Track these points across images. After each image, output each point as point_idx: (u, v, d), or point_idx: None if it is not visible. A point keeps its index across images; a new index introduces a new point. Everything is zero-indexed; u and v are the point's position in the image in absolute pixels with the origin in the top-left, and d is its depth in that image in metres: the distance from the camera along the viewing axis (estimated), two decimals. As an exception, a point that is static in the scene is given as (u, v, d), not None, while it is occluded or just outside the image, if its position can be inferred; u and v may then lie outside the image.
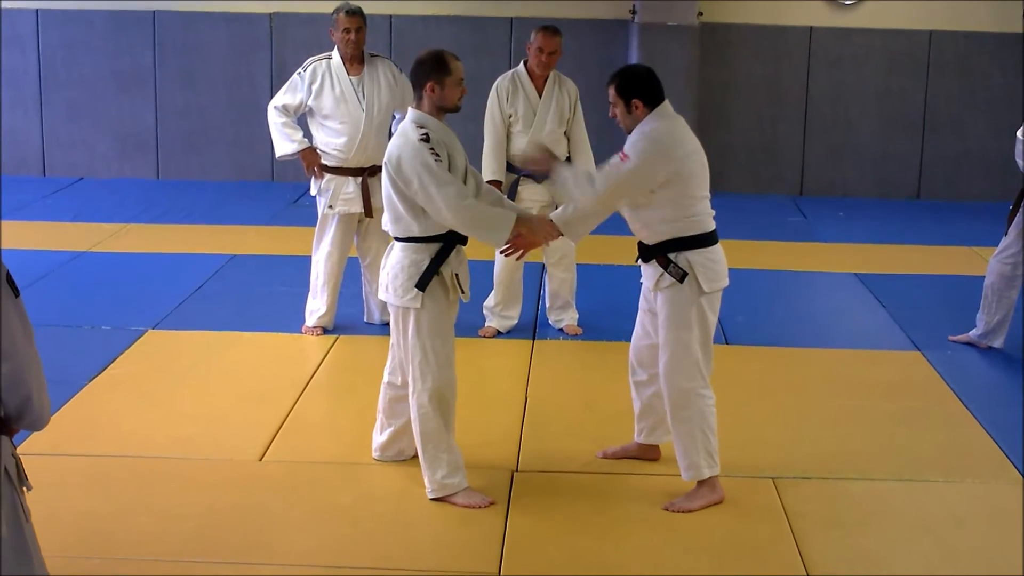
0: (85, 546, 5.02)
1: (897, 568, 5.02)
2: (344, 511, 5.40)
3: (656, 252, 5.46)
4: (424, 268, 5.37)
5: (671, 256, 5.41)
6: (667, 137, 5.43)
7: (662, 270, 5.43)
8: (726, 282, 5.55)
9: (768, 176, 13.00)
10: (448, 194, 5.25)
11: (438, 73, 5.36)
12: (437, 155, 5.29)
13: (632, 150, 5.37)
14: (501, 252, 5.66)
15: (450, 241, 5.40)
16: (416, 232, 5.39)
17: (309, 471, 5.83)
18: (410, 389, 5.52)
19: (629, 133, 5.51)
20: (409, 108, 5.49)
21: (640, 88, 5.45)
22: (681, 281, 5.39)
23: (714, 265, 5.47)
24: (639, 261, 5.62)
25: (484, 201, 5.56)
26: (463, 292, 5.51)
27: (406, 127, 5.42)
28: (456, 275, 5.44)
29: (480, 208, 5.35)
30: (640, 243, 5.55)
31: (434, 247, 5.39)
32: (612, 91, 5.48)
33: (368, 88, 7.67)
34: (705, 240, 5.45)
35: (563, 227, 5.65)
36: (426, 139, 5.30)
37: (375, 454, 5.93)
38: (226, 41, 12.87)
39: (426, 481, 5.50)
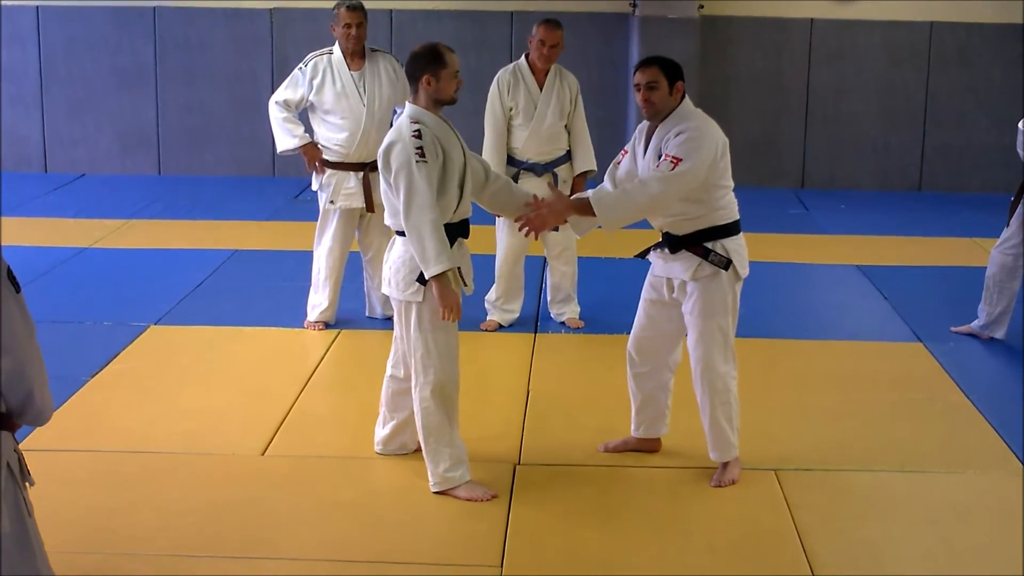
0: (88, 541, 5.03)
1: (899, 559, 5.03)
2: (347, 505, 5.41)
3: (689, 242, 5.50)
4: None
5: (708, 245, 5.48)
6: (712, 131, 5.52)
7: (699, 259, 5.49)
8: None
9: (769, 169, 12.99)
10: (415, 202, 5.24)
11: (434, 66, 5.36)
12: (422, 156, 5.25)
13: (682, 150, 5.36)
14: (519, 225, 5.63)
15: (451, 234, 5.39)
16: None
17: (312, 466, 5.84)
18: (413, 383, 5.52)
19: (654, 117, 5.50)
20: (406, 103, 5.48)
21: (681, 74, 5.57)
22: (726, 268, 5.51)
23: (744, 251, 5.65)
24: (655, 253, 5.61)
25: (493, 186, 5.60)
26: (465, 284, 5.50)
27: (401, 122, 5.41)
28: (458, 268, 5.42)
29: (439, 237, 5.25)
30: (667, 235, 5.55)
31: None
32: (655, 71, 5.49)
33: (369, 83, 7.67)
34: (735, 228, 5.64)
35: (600, 209, 5.44)
36: (418, 135, 5.28)
37: (377, 447, 5.93)
38: (227, 37, 12.87)
39: (429, 474, 5.51)
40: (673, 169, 5.33)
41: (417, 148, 5.26)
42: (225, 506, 5.37)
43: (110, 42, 12.93)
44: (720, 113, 12.59)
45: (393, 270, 5.47)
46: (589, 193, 5.56)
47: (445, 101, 5.42)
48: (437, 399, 5.45)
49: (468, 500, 5.42)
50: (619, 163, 5.72)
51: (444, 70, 5.36)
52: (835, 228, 11.12)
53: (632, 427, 5.98)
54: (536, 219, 5.52)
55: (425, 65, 5.37)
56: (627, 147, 5.73)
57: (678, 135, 5.40)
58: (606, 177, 5.75)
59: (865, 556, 5.04)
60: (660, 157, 5.41)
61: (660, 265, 5.68)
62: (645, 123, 5.65)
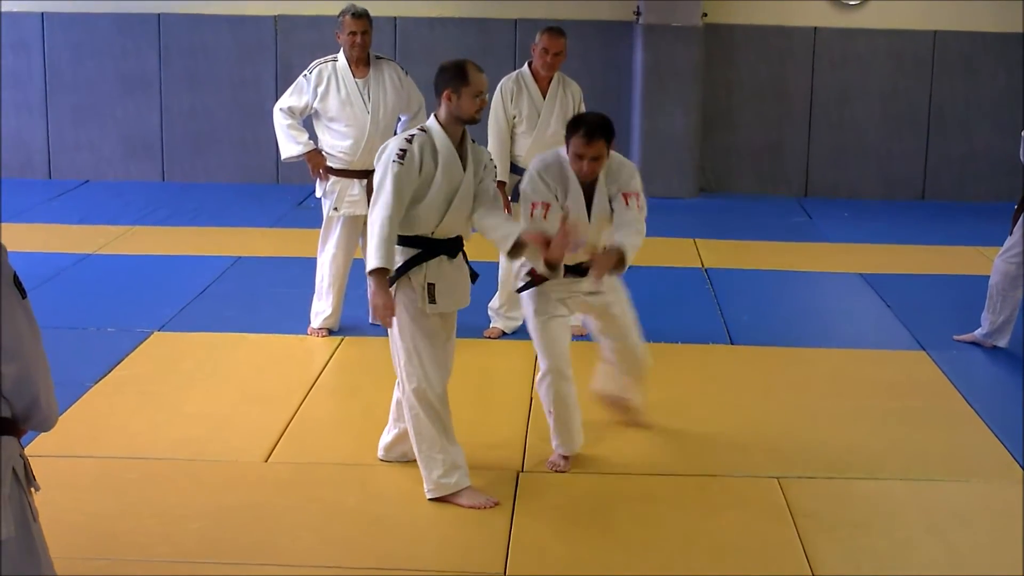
0: (92, 547, 5.03)
1: (902, 567, 5.03)
2: (350, 512, 5.41)
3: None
4: (397, 268, 5.37)
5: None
6: None
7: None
8: None
9: (773, 177, 13.00)
10: (378, 199, 5.28)
11: (456, 82, 5.35)
12: (400, 158, 5.26)
13: (635, 184, 5.85)
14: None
15: (431, 249, 5.40)
16: (400, 232, 5.38)
17: (315, 472, 5.84)
18: (400, 390, 5.54)
19: (589, 178, 5.74)
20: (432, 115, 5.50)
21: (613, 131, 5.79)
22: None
23: None
24: (564, 279, 5.73)
25: (489, 217, 5.53)
26: (433, 301, 5.41)
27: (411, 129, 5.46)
28: (431, 284, 5.39)
29: (385, 236, 5.24)
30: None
31: (411, 251, 5.38)
32: (601, 145, 5.63)
33: (374, 90, 7.68)
34: None
35: (629, 260, 5.62)
36: (409, 140, 5.33)
37: (380, 454, 5.94)
38: (231, 44, 12.89)
39: (424, 481, 5.51)
40: (640, 203, 5.76)
41: (400, 151, 5.29)
42: (228, 512, 5.38)
43: (114, 49, 12.96)
44: (723, 121, 12.84)
45: None
46: (620, 245, 5.61)
47: (464, 119, 5.40)
48: (423, 406, 5.44)
49: (470, 507, 5.43)
50: (545, 217, 5.67)
51: (466, 88, 5.35)
52: (838, 236, 11.12)
53: (557, 444, 5.98)
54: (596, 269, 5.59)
55: (448, 80, 5.37)
56: (537, 199, 5.70)
57: (629, 173, 5.85)
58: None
59: (868, 563, 5.04)
60: (618, 197, 5.76)
61: (565, 286, 5.80)
62: (552, 169, 5.74)
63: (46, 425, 3.52)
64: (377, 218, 5.26)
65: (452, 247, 5.49)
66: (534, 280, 5.79)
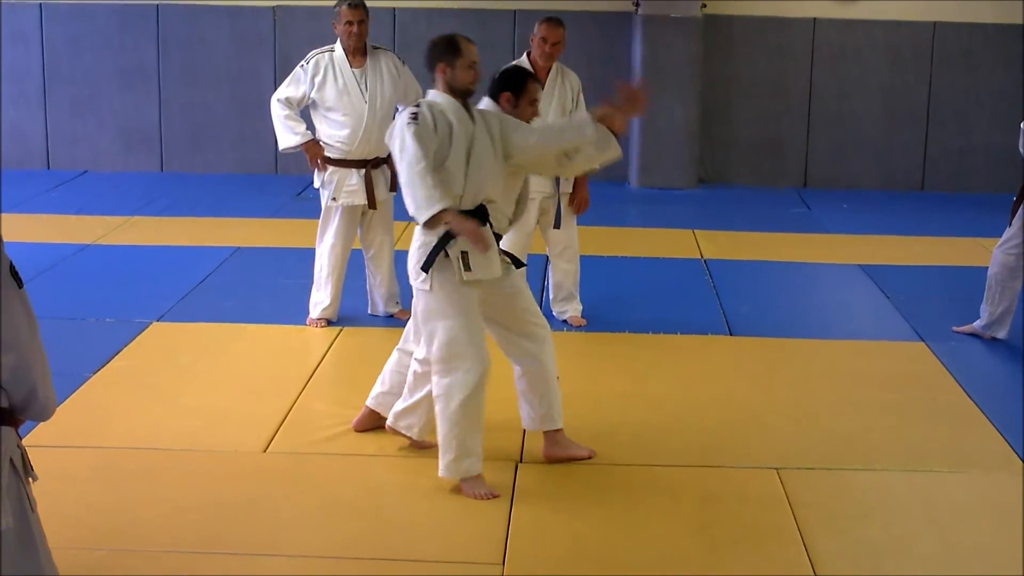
0: (90, 538, 5.03)
1: (901, 558, 5.02)
2: (348, 503, 5.41)
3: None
4: (431, 249, 5.37)
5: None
6: None
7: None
8: None
9: (772, 169, 13.00)
10: (404, 158, 5.27)
11: (449, 55, 5.43)
12: (414, 118, 5.30)
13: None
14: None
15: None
16: None
17: (313, 463, 5.84)
18: (432, 370, 5.51)
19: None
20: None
21: None
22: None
23: None
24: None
25: (525, 153, 5.54)
26: (468, 269, 5.38)
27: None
28: (464, 253, 5.37)
29: (429, 183, 5.23)
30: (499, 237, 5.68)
31: (441, 228, 5.35)
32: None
33: (371, 80, 7.67)
34: None
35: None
36: (416, 107, 5.38)
37: (389, 420, 5.96)
38: (229, 35, 12.88)
39: (440, 458, 5.50)
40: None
41: (411, 115, 5.33)
42: (227, 503, 5.37)
43: (113, 40, 12.95)
44: (723, 113, 12.85)
45: (409, 258, 5.50)
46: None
47: (460, 90, 5.44)
48: (458, 389, 5.42)
49: (470, 496, 5.42)
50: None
51: (459, 59, 5.42)
52: (838, 228, 11.12)
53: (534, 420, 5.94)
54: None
55: (440, 53, 5.45)
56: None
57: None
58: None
59: (867, 555, 5.03)
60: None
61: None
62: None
63: (44, 415, 3.52)
64: (412, 174, 5.23)
65: (481, 214, 5.46)
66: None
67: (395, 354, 6.05)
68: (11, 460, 3.44)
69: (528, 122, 5.56)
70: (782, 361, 7.46)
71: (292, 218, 10.91)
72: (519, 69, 5.62)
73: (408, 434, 5.90)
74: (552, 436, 5.85)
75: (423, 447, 5.90)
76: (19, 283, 3.38)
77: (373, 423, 6.12)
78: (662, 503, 5.46)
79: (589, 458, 5.85)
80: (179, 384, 6.85)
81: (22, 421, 3.50)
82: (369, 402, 6.11)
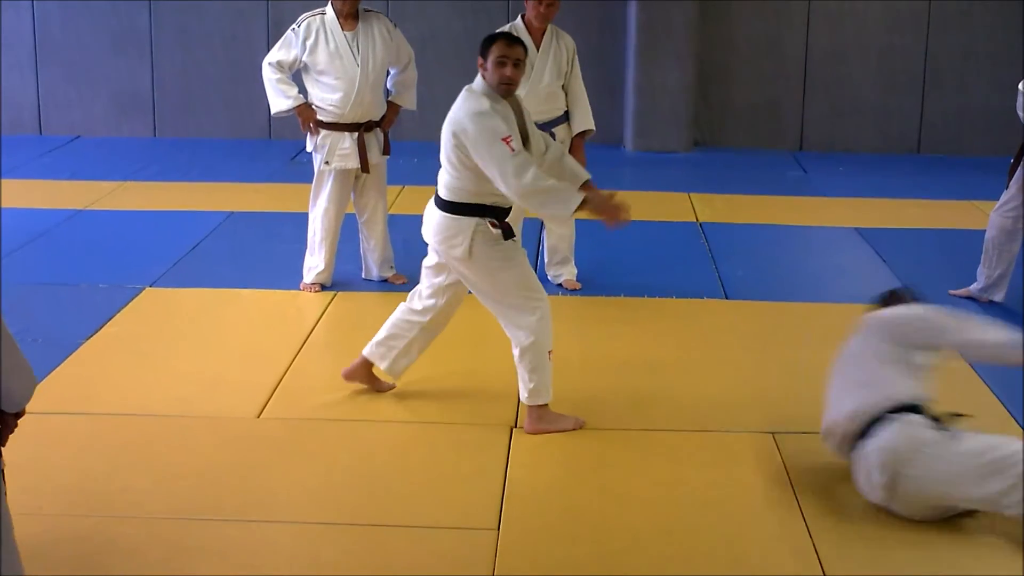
0: (83, 505, 5.01)
1: (897, 520, 5.01)
2: (343, 468, 5.39)
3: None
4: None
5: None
6: None
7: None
8: None
9: (768, 132, 12.94)
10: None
11: (483, 52, 5.56)
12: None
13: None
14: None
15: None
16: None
17: (308, 428, 5.82)
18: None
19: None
20: None
21: None
22: None
23: None
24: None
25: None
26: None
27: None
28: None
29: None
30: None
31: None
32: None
33: (363, 43, 7.61)
34: None
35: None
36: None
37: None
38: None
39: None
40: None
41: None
42: (221, 469, 5.36)
43: (105, 5, 12.85)
44: (720, 76, 12.77)
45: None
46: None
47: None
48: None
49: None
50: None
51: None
52: (834, 191, 11.09)
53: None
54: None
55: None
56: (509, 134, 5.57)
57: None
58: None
59: (862, 519, 5.02)
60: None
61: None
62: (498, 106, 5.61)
63: (11, 406, 3.41)
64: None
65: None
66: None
67: (401, 306, 6.04)
68: None
69: (499, 86, 5.52)
70: (778, 324, 7.44)
71: (286, 182, 10.86)
72: (492, 34, 5.64)
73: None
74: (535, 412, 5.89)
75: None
76: None
77: (365, 372, 6.15)
78: (657, 467, 5.45)
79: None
80: (172, 350, 6.83)
81: None
82: (364, 351, 6.10)
